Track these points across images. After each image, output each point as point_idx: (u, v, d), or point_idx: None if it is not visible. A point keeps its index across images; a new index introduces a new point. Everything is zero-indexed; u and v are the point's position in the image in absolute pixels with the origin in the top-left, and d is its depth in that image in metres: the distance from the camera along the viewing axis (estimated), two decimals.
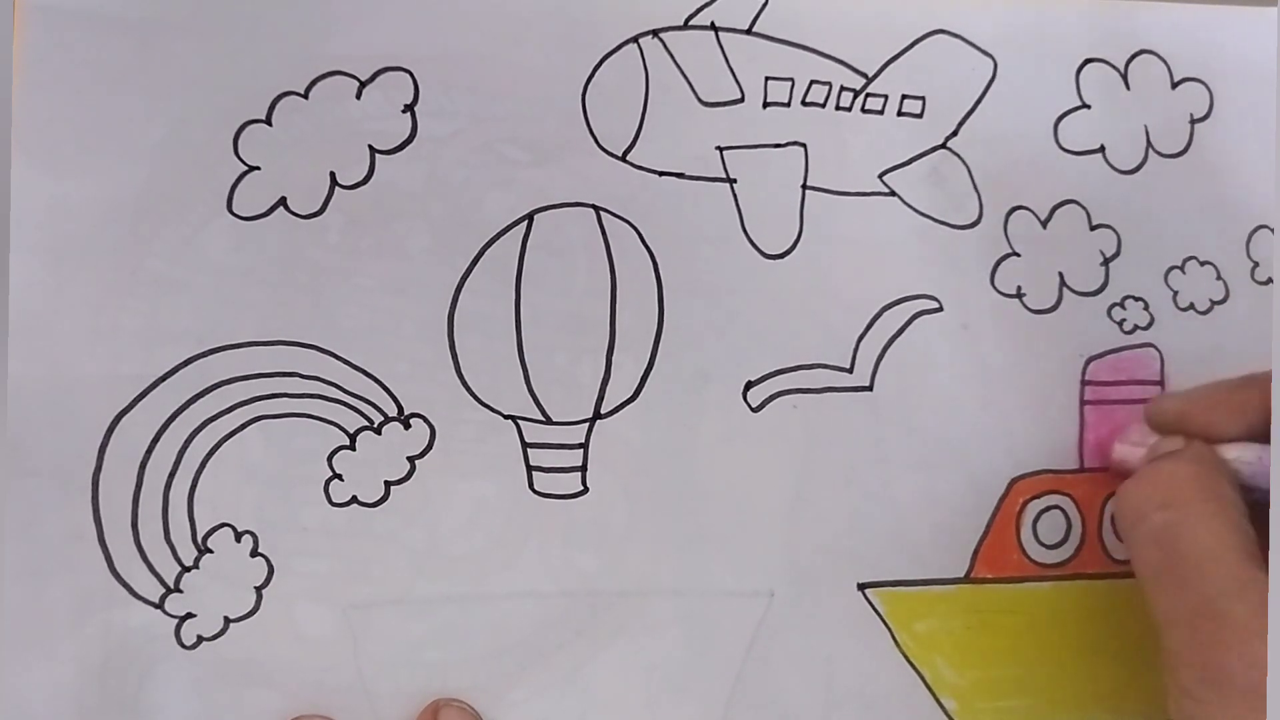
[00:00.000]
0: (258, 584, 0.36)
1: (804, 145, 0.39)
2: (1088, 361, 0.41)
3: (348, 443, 0.36)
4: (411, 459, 0.37)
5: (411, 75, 0.37)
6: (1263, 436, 0.36)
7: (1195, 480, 0.34)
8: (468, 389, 0.37)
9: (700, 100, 0.39)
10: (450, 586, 0.37)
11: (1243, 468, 0.36)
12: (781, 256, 0.39)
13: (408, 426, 0.37)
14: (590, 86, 0.38)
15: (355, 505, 0.36)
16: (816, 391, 0.39)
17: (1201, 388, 0.38)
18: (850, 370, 0.40)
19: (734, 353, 0.39)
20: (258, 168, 0.36)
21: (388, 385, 0.36)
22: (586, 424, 0.38)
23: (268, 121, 0.36)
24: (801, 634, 0.39)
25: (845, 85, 0.40)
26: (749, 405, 0.39)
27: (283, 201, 0.36)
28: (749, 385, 0.39)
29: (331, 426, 0.36)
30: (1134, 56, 0.42)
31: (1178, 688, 0.33)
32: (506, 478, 0.37)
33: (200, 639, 0.35)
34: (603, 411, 0.38)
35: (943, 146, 0.40)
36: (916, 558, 0.40)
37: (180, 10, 0.35)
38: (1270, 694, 0.30)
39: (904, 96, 0.40)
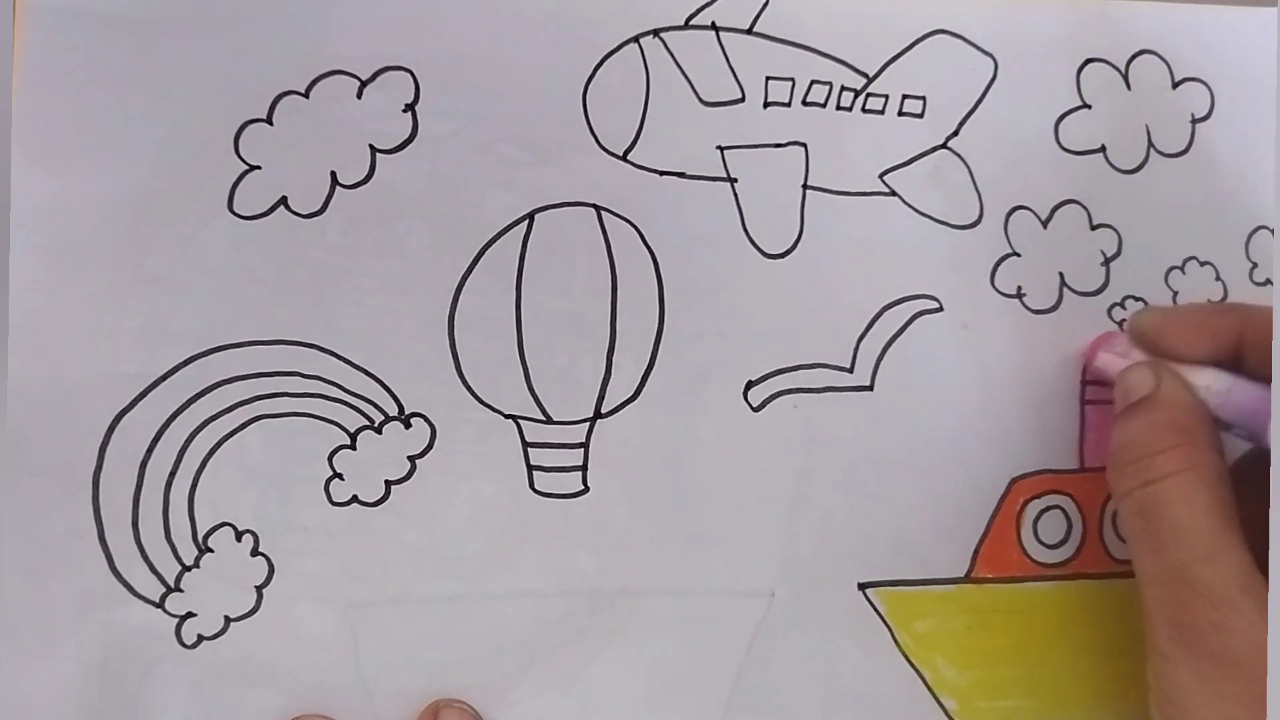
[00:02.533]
0: (258, 583, 0.36)
1: (804, 145, 0.39)
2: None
3: (348, 442, 0.36)
4: (412, 458, 0.37)
5: (412, 75, 0.37)
6: (1230, 365, 0.36)
7: (1177, 450, 0.34)
8: (468, 388, 0.37)
9: (701, 100, 0.39)
10: (450, 586, 0.37)
11: (1210, 397, 0.36)
12: (782, 256, 0.39)
13: (408, 426, 0.37)
14: (591, 86, 0.38)
15: (356, 505, 0.36)
16: (817, 391, 0.39)
17: (1181, 307, 0.40)
18: (851, 370, 0.40)
19: (734, 352, 0.39)
20: (258, 167, 0.36)
21: (388, 385, 0.36)
22: (587, 423, 0.38)
23: (268, 121, 0.36)
24: (801, 634, 0.39)
25: (846, 85, 0.40)
26: (749, 405, 0.39)
27: (283, 201, 0.36)
28: (749, 385, 0.39)
29: (332, 426, 0.36)
30: (1135, 56, 0.42)
31: (1152, 647, 0.34)
32: (507, 477, 0.37)
33: (201, 638, 0.35)
34: (603, 411, 0.38)
35: (943, 146, 0.40)
36: (917, 557, 0.40)
37: (180, 10, 0.35)
38: (1270, 694, 0.30)
39: (904, 96, 0.40)
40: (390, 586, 0.36)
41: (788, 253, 0.39)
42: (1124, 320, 0.41)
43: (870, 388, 0.40)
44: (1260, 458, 0.36)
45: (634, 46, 0.38)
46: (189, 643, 0.35)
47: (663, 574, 0.38)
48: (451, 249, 0.37)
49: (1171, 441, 0.35)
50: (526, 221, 0.37)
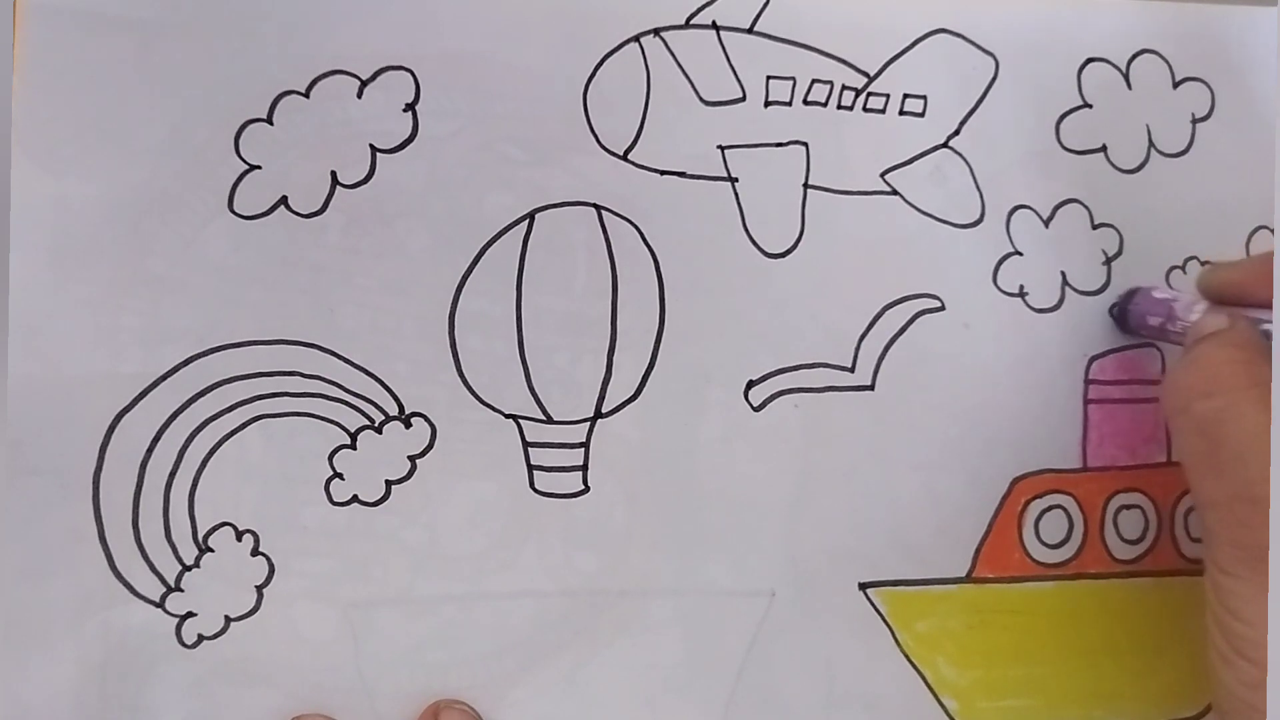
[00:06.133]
0: (258, 583, 0.36)
1: (805, 144, 0.39)
2: (1091, 360, 0.41)
3: (348, 442, 0.36)
4: (412, 458, 0.37)
5: (412, 74, 0.37)
6: None
7: (1238, 366, 0.34)
8: (469, 388, 0.37)
9: (702, 99, 0.39)
10: (450, 586, 0.37)
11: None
12: (783, 256, 0.39)
13: (408, 425, 0.37)
14: (591, 85, 0.38)
15: (356, 504, 0.36)
16: (818, 391, 0.39)
17: (1251, 258, 0.40)
18: (852, 369, 0.40)
19: (735, 352, 0.39)
20: (259, 167, 0.36)
21: (388, 384, 0.36)
22: (587, 423, 0.38)
23: (269, 121, 0.36)
24: (802, 634, 0.39)
25: (847, 84, 0.40)
26: (750, 405, 0.39)
27: (283, 201, 0.36)
28: (750, 384, 0.39)
29: (332, 425, 0.36)
30: (1135, 56, 0.42)
31: (1215, 565, 0.34)
32: (507, 477, 0.37)
33: (201, 638, 0.35)
34: (604, 411, 0.38)
35: (945, 145, 0.40)
36: (918, 557, 0.40)
37: (180, 10, 0.35)
38: (1270, 694, 0.30)
39: (906, 95, 0.40)
40: (390, 586, 0.36)
41: (788, 252, 0.39)
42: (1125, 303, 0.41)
43: (871, 387, 0.40)
44: None
45: (634, 46, 0.38)
46: (189, 643, 0.35)
47: (663, 574, 0.38)
48: (451, 249, 0.37)
49: (1239, 359, 0.34)
50: (527, 221, 0.37)
